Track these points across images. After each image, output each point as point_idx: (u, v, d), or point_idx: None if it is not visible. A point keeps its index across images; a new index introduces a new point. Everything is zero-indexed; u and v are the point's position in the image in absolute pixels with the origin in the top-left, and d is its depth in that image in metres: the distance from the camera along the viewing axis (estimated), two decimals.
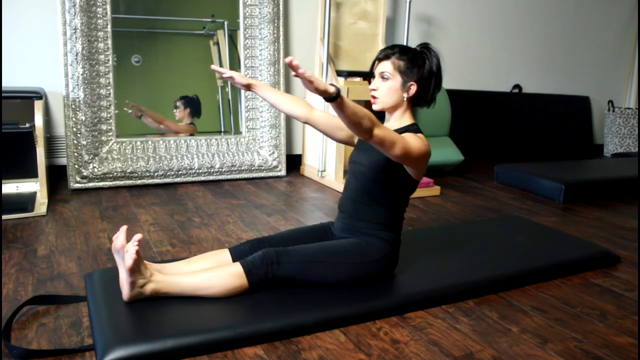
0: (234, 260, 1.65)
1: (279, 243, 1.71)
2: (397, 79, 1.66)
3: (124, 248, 1.44)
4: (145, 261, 1.51)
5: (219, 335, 1.37)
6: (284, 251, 1.59)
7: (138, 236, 1.44)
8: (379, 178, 1.67)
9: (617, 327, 1.61)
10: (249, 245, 1.69)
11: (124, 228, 1.48)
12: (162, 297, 1.51)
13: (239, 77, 1.68)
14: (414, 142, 1.57)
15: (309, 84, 1.29)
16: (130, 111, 3.08)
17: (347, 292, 1.63)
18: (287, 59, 1.24)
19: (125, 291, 1.47)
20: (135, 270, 1.45)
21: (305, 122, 1.75)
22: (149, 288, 1.48)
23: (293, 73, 1.31)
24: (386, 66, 1.66)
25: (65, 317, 1.51)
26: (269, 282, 1.57)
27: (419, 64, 1.65)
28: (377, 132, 1.43)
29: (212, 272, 1.55)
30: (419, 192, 3.07)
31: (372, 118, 1.42)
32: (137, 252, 1.42)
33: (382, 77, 1.68)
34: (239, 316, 1.46)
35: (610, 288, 1.90)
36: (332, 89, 1.31)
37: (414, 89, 1.66)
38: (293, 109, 1.72)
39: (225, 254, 1.67)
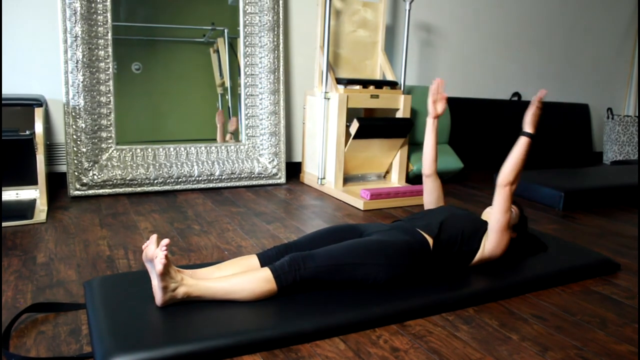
0: (262, 265, 1.69)
1: (305, 247, 1.76)
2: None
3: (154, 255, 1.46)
4: (176, 267, 1.54)
5: (218, 343, 1.37)
6: (310, 255, 1.64)
7: (165, 241, 1.46)
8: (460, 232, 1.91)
9: (617, 335, 1.60)
10: (275, 251, 1.75)
11: (153, 237, 1.49)
12: (194, 300, 1.53)
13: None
14: (507, 236, 1.92)
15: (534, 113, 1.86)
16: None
17: (346, 299, 1.63)
18: (540, 94, 1.81)
19: (158, 297, 1.49)
20: (166, 274, 1.47)
21: (427, 176, 2.20)
22: (181, 291, 1.50)
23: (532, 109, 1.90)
24: None
25: (64, 325, 1.50)
26: (297, 284, 1.61)
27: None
28: (513, 188, 1.90)
29: (243, 277, 1.58)
30: (417, 200, 3.07)
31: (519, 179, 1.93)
32: (166, 257, 1.44)
33: None
34: (238, 324, 1.46)
35: (610, 296, 1.90)
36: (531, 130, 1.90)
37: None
38: (432, 158, 2.19)
39: (253, 260, 1.72)
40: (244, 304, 1.55)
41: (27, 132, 2.61)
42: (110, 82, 2.94)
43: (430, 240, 1.82)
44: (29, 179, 2.76)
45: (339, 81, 3.24)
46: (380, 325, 1.57)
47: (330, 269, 1.64)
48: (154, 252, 1.45)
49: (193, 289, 1.52)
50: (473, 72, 4.47)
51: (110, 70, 2.94)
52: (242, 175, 3.28)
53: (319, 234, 1.85)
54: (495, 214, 1.87)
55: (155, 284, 1.49)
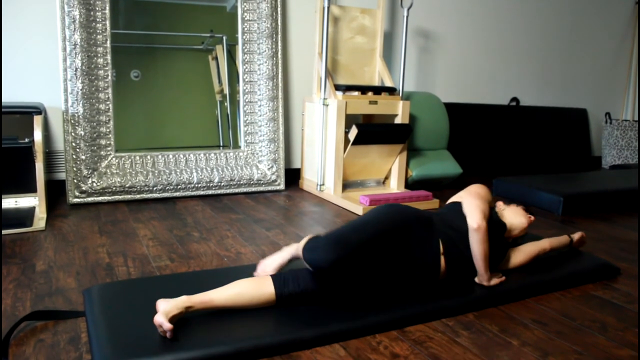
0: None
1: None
2: None
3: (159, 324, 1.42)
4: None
5: (217, 350, 1.36)
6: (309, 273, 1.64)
7: (166, 325, 1.40)
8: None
9: (617, 339, 1.60)
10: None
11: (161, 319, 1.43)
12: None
13: None
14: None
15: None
16: None
17: (346, 305, 1.63)
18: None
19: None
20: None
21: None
22: (186, 310, 1.49)
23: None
24: None
25: (64, 333, 1.50)
26: (297, 296, 1.61)
27: None
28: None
29: (242, 286, 1.57)
30: (417, 206, 3.07)
31: None
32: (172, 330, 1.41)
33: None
34: (237, 331, 1.45)
35: (610, 300, 1.89)
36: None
37: None
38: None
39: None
40: (243, 311, 1.55)
41: (26, 140, 2.61)
42: (109, 90, 2.95)
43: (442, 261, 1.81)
44: (28, 187, 2.76)
45: (337, 87, 3.25)
46: (380, 332, 1.57)
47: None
48: (162, 324, 1.40)
49: (197, 307, 1.51)
50: (471, 78, 4.48)
51: (109, 77, 2.94)
52: (241, 182, 3.28)
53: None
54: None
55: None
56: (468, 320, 1.68)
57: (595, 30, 5.09)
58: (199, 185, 3.15)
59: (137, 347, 1.34)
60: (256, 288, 1.58)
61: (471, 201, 1.87)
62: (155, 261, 2.08)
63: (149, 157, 3.08)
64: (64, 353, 1.39)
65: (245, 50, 3.31)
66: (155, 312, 1.51)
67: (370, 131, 3.17)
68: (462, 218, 1.85)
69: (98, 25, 2.89)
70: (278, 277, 1.61)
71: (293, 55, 3.59)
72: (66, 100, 2.83)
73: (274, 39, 3.35)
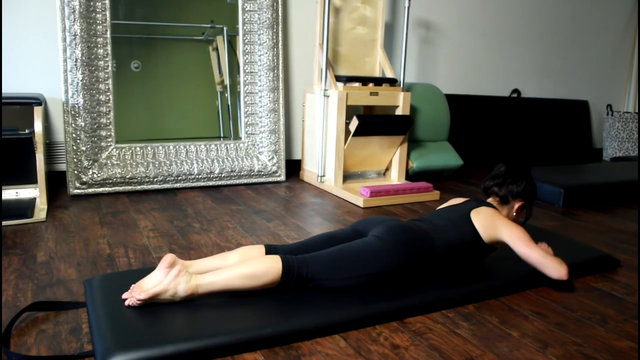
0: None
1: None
2: None
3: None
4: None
5: (218, 340, 1.37)
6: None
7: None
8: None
9: (617, 331, 1.61)
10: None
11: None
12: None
13: None
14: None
15: None
16: None
17: (347, 296, 1.63)
18: None
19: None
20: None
21: None
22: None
23: None
24: None
25: (65, 323, 1.50)
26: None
27: None
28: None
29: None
30: (418, 197, 3.08)
31: None
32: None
33: None
34: (238, 321, 1.46)
35: (610, 292, 1.90)
36: None
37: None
38: None
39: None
40: (244, 302, 1.55)
41: (27, 131, 2.60)
42: (110, 81, 2.94)
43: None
44: (29, 178, 2.76)
45: (338, 78, 3.24)
46: (381, 323, 1.57)
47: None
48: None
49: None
50: (472, 69, 4.46)
51: (110, 68, 2.93)
52: (242, 173, 3.28)
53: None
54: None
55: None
56: (468, 311, 1.69)
57: (597, 22, 5.07)
58: (200, 176, 3.15)
59: (138, 337, 1.35)
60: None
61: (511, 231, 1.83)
62: (156, 252, 2.09)
63: (149, 148, 3.08)
64: (65, 343, 1.40)
65: (246, 40, 3.30)
66: (154, 303, 1.51)
67: (371, 122, 3.16)
68: (465, 228, 1.85)
69: (98, 15, 2.87)
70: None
71: (294, 46, 3.57)
72: (66, 91, 2.82)
73: (274, 30, 3.33)
